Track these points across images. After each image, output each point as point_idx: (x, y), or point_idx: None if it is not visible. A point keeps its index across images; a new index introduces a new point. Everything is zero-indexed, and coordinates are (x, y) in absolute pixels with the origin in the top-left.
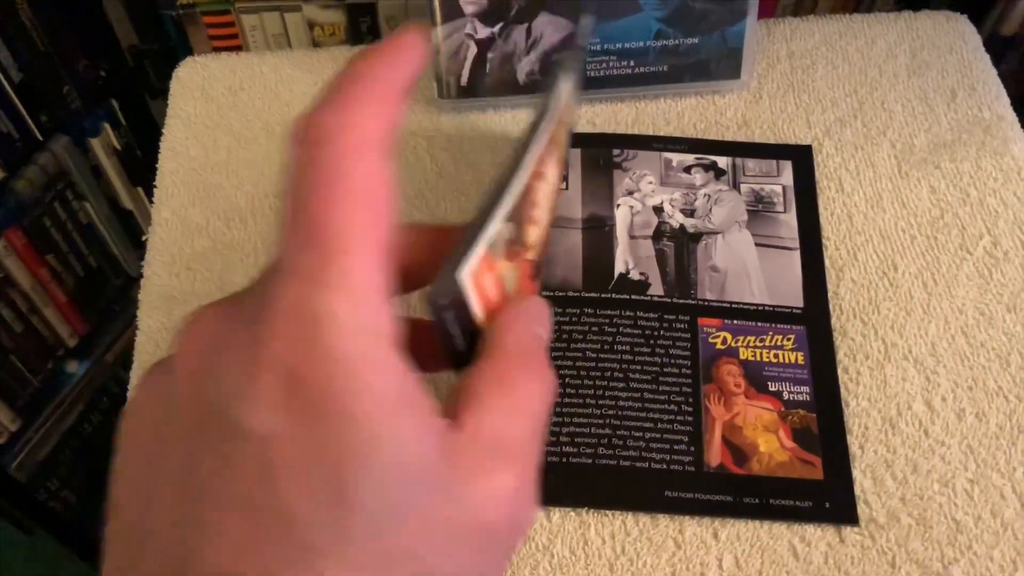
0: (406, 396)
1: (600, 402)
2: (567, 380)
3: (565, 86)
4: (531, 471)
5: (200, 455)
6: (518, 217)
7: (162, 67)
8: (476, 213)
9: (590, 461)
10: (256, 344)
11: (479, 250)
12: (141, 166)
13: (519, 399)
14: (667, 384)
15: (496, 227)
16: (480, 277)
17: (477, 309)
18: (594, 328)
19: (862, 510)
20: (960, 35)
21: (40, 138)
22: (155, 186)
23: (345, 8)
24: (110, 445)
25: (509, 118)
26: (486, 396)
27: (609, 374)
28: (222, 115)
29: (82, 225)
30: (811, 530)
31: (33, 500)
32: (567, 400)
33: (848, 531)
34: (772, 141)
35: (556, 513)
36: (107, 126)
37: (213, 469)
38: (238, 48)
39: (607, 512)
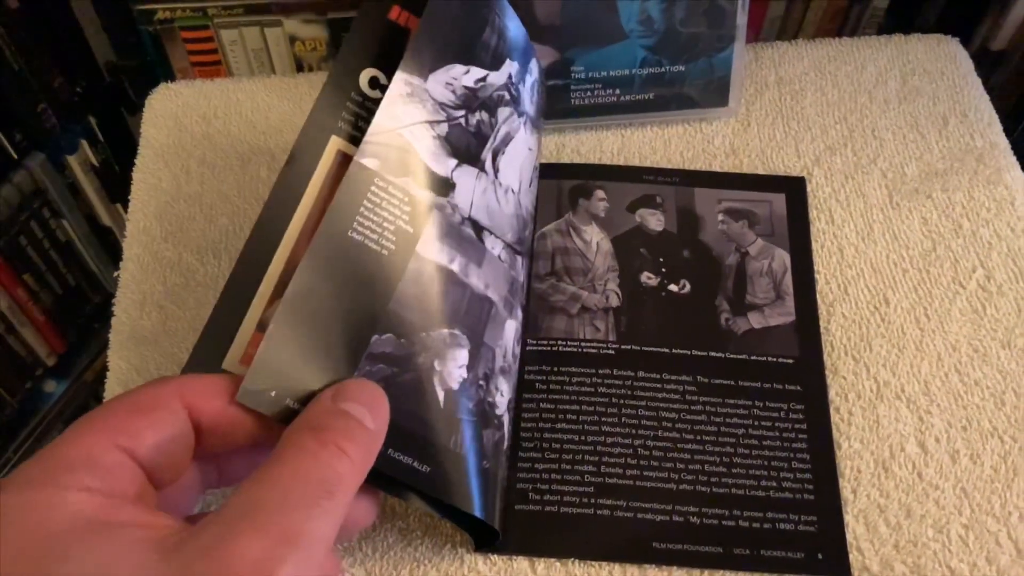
0: (99, 527)
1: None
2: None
3: (331, 146)
4: (296, 536)
5: None
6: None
7: (140, 83)
8: (221, 303)
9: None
10: None
11: (240, 339)
12: (119, 182)
13: (279, 468)
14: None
15: (258, 309)
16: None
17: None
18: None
19: (855, 558)
20: (951, 59)
21: (15, 156)
22: (127, 219)
23: (327, 23)
24: None
25: None
26: (248, 478)
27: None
28: (195, 144)
29: (60, 243)
30: None
31: None
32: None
33: None
34: (761, 170)
35: (541, 564)
36: (84, 143)
37: None
38: (217, 63)
39: (593, 563)
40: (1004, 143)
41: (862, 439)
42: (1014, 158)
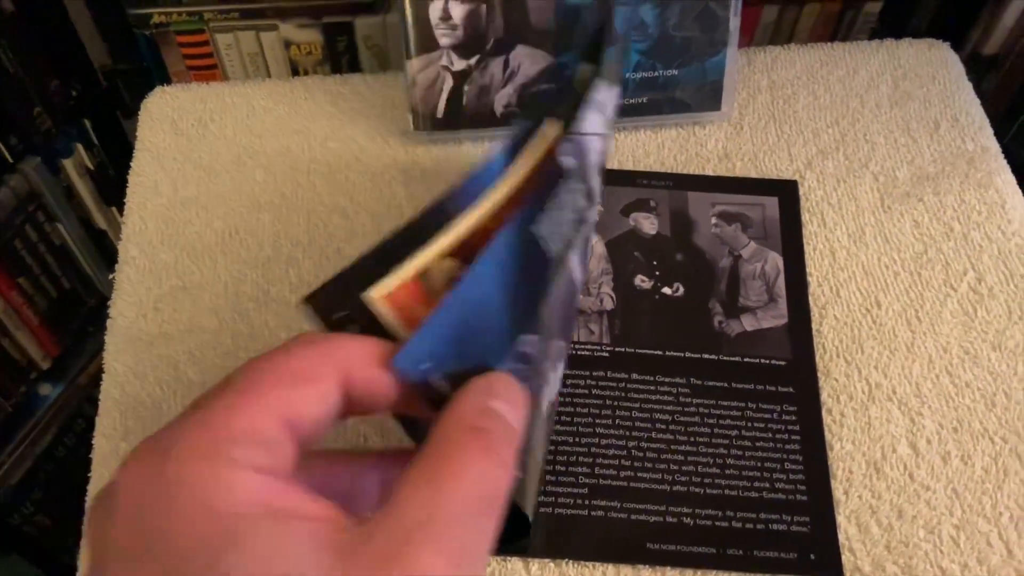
0: (273, 514)
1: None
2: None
3: (551, 129)
4: (468, 553)
5: None
6: (470, 255)
7: (135, 87)
8: (394, 236)
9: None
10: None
11: (399, 274)
12: (114, 186)
13: (451, 478)
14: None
15: (426, 258)
16: (403, 304)
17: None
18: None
19: (847, 559)
20: (943, 63)
21: (10, 160)
22: (123, 222)
23: (322, 27)
24: (85, 467)
25: (487, 150)
26: (414, 477)
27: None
28: (192, 147)
29: (55, 246)
30: None
31: (7, 524)
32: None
33: None
34: (754, 174)
35: (535, 565)
36: (80, 146)
37: None
38: (213, 67)
39: (587, 564)
40: (995, 147)
41: (854, 440)
42: (1005, 162)
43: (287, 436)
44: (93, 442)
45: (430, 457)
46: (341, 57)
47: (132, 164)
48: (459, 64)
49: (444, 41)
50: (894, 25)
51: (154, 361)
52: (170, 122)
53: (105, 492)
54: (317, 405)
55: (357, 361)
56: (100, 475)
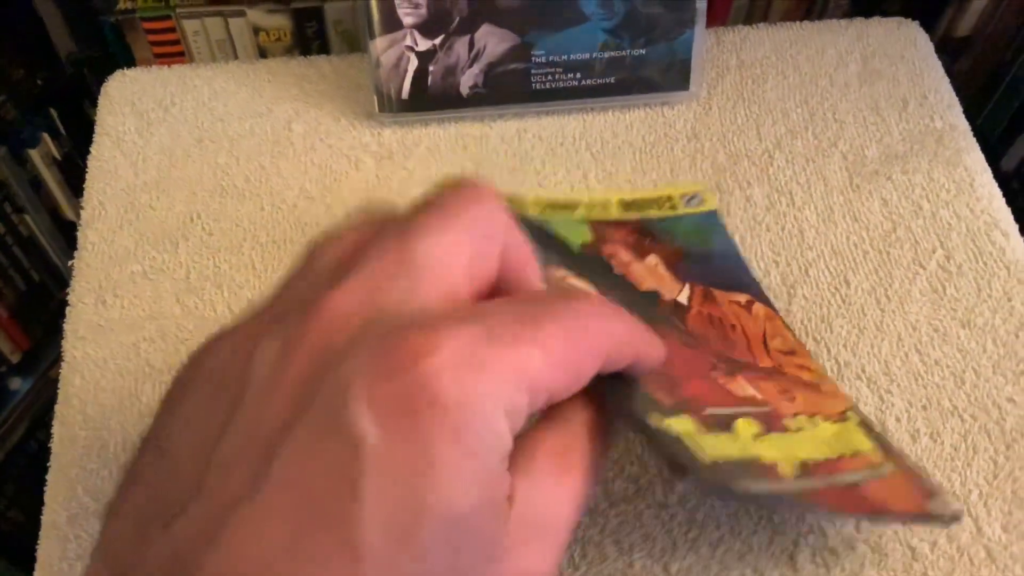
0: (496, 475)
1: None
2: None
3: None
4: (560, 551)
5: (287, 427)
6: None
7: (102, 75)
8: None
9: None
10: (405, 344)
11: None
12: (82, 176)
13: (571, 478)
14: None
15: None
16: None
17: None
18: None
19: (816, 538)
20: (912, 42)
21: None
22: (82, 207)
23: (291, 13)
24: None
25: (454, 132)
26: (541, 467)
27: None
28: (152, 131)
29: (23, 238)
30: (764, 562)
31: None
32: None
33: (802, 562)
34: (722, 154)
35: None
36: (46, 136)
37: (296, 450)
38: (180, 54)
39: None
40: (964, 125)
41: None
42: (973, 140)
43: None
44: (52, 430)
45: (555, 450)
46: (311, 43)
47: (92, 149)
48: (423, 44)
49: (407, 20)
50: (867, 7)
51: (114, 348)
52: (130, 105)
53: None
54: None
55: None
56: (59, 465)
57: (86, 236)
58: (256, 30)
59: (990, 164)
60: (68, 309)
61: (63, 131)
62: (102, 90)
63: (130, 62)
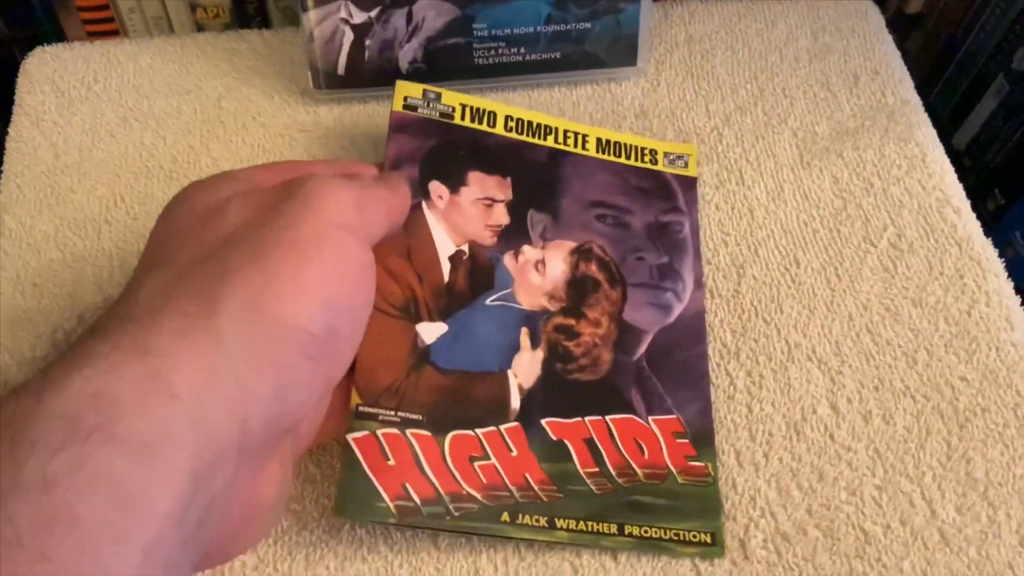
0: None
1: None
2: None
3: None
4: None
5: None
6: None
7: None
8: None
9: None
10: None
11: None
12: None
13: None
14: None
15: None
16: None
17: None
18: None
19: (768, 523)
20: (863, 16)
21: None
22: None
23: None
24: None
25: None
26: None
27: None
28: (74, 110)
29: None
30: (715, 549)
31: None
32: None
33: (754, 547)
34: (671, 131)
35: (445, 540)
36: None
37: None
38: (115, 33)
39: (499, 538)
40: (915, 100)
41: (773, 402)
42: (925, 115)
43: None
44: None
45: None
46: (251, 20)
47: (9, 129)
48: (359, 16)
49: None
50: None
51: (32, 340)
52: (50, 83)
53: None
54: None
55: None
56: None
57: (3, 222)
58: (193, 6)
59: (942, 142)
60: None
61: None
62: (21, 68)
63: (63, 41)
